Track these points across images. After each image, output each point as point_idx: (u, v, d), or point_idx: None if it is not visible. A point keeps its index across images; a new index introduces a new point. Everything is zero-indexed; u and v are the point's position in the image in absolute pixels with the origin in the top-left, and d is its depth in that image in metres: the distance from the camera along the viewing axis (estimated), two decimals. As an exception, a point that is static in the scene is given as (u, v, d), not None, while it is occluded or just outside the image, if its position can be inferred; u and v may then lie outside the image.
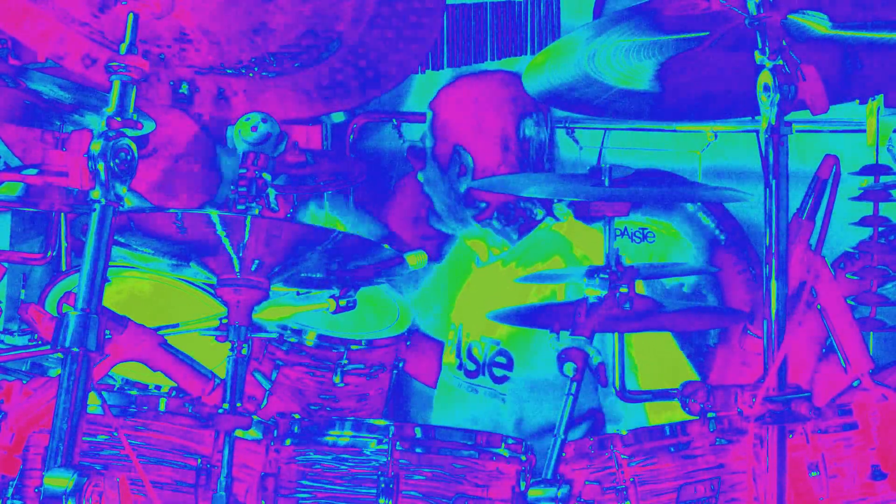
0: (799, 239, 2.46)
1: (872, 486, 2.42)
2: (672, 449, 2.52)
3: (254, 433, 2.59)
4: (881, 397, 2.46)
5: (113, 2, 2.25)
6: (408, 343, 3.49)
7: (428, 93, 3.63)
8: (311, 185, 3.95)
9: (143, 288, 3.38)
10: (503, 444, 2.59)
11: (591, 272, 2.51)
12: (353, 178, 4.23)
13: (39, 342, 3.11)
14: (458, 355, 3.46)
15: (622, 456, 2.52)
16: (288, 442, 2.60)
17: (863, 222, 3.16)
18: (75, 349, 2.06)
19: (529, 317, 3.01)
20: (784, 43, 2.19)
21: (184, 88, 2.53)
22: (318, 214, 4.01)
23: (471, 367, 3.43)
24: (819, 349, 2.62)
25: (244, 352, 2.52)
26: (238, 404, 2.49)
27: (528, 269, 3.39)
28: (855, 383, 2.47)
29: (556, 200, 3.42)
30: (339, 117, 4.40)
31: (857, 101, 2.81)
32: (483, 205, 3.43)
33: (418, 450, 2.56)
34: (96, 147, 2.10)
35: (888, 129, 3.12)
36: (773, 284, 2.14)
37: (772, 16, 2.19)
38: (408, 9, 2.57)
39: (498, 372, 3.36)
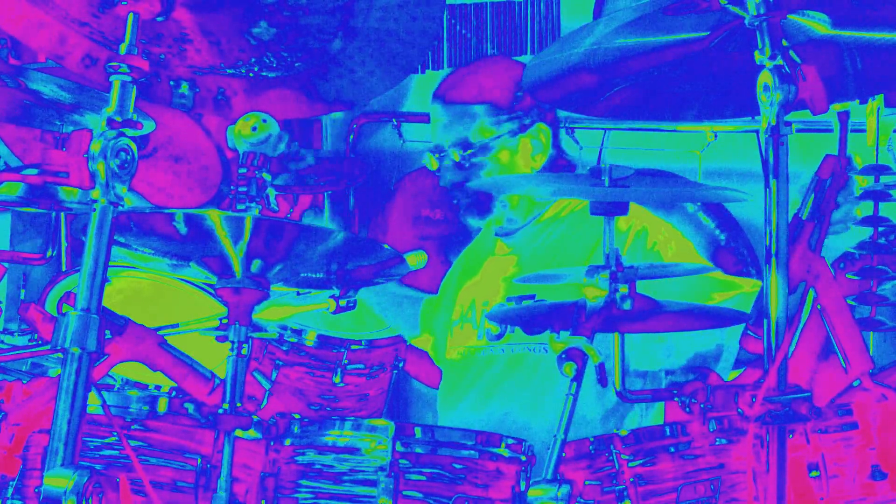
0: (799, 239, 2.46)
1: (872, 486, 2.42)
2: (672, 449, 2.52)
3: (254, 433, 2.59)
4: (881, 397, 2.46)
5: (113, 1, 2.25)
6: (408, 343, 3.49)
7: (428, 93, 3.64)
8: (311, 185, 3.96)
9: (143, 288, 3.38)
10: (503, 444, 2.59)
11: (591, 272, 2.51)
12: (353, 178, 4.24)
13: (39, 342, 3.11)
14: (477, 326, 3.46)
15: (622, 456, 2.52)
16: (288, 442, 2.60)
17: (863, 222, 3.16)
18: (75, 349, 2.06)
19: (529, 317, 3.01)
20: (784, 43, 2.19)
21: (184, 88, 2.53)
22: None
23: (495, 330, 3.41)
24: (819, 349, 2.62)
25: (244, 352, 2.52)
26: (238, 404, 2.49)
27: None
28: (855, 383, 2.46)
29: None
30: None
31: (857, 101, 2.81)
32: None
33: (418, 450, 2.56)
34: (96, 147, 2.10)
35: (888, 129, 3.12)
36: (773, 284, 2.14)
37: (772, 16, 2.19)
38: (408, 9, 2.57)
39: None
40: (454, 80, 3.55)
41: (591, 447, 2.54)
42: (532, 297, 3.33)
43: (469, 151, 3.42)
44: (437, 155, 3.46)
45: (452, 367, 3.53)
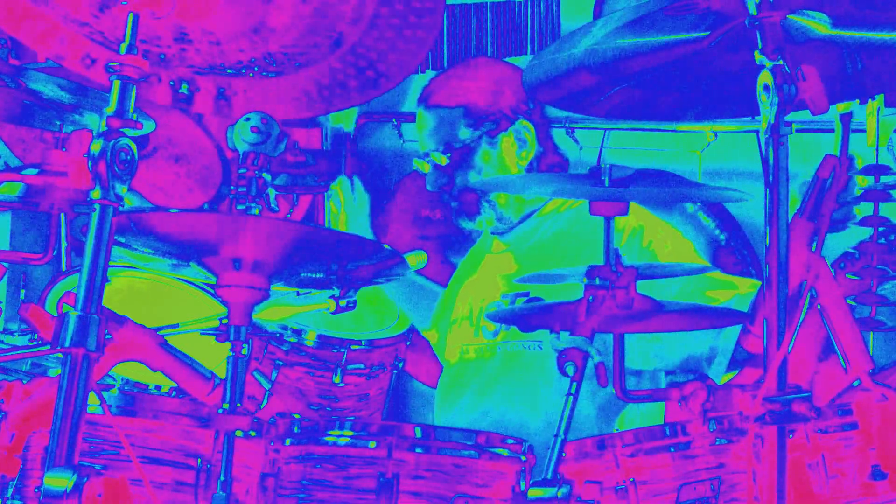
0: (799, 239, 2.46)
1: (872, 486, 2.42)
2: (672, 449, 2.52)
3: (254, 433, 2.59)
4: (881, 397, 2.46)
5: (113, 1, 2.25)
6: (408, 343, 3.49)
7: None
8: (311, 186, 3.96)
9: (143, 287, 3.38)
10: (503, 444, 2.59)
11: (591, 272, 2.51)
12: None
13: (39, 342, 3.11)
14: (473, 324, 3.46)
15: (622, 456, 2.52)
16: (288, 442, 2.60)
17: (863, 222, 3.16)
18: (75, 349, 2.06)
19: (528, 317, 3.01)
20: (784, 43, 2.19)
21: (184, 88, 2.53)
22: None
23: (492, 326, 3.42)
24: (819, 349, 2.62)
25: (244, 352, 2.52)
26: (238, 404, 2.49)
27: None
28: (855, 383, 2.46)
29: None
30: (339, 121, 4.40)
31: (858, 101, 2.81)
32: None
33: (418, 450, 2.56)
34: (96, 147, 2.10)
35: (888, 129, 3.12)
36: (773, 284, 2.14)
37: (772, 16, 2.19)
38: (408, 9, 2.57)
39: None
40: (435, 85, 3.57)
41: (590, 447, 2.54)
42: (527, 293, 3.33)
43: (450, 154, 3.44)
44: (426, 159, 3.49)
45: (450, 365, 3.53)
